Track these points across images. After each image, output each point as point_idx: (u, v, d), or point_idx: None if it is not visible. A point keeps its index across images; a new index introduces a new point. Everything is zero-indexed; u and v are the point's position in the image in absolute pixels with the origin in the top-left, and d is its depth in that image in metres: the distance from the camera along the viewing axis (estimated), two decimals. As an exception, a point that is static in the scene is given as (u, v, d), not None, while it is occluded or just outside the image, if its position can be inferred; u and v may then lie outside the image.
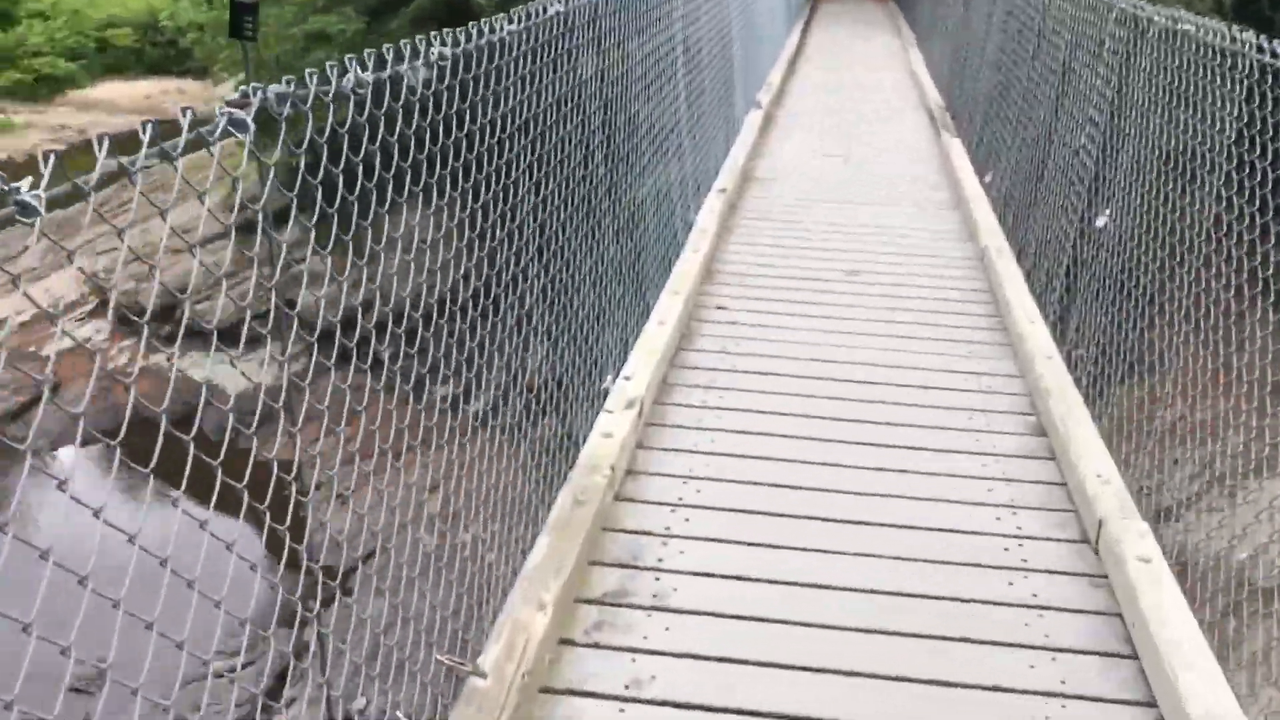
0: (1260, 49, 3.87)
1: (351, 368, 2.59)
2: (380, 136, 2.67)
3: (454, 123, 3.15)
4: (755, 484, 4.07)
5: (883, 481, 4.08)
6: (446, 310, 3.27)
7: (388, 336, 2.90)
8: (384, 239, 2.82)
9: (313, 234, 2.72)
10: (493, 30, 3.28)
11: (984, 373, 5.20)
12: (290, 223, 2.40)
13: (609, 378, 4.70)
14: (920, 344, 5.53)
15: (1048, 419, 4.54)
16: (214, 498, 1.94)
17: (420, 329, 2.99)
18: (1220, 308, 4.48)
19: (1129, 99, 5.26)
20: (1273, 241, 4.06)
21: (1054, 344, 5.31)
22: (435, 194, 3.08)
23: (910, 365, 5.25)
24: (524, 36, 3.60)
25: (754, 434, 4.49)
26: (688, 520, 3.79)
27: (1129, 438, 5.29)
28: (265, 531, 2.18)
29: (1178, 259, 4.69)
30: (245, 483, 2.01)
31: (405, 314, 2.92)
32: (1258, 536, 4.34)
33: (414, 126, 2.85)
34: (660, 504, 3.91)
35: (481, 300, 3.52)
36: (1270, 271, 4.07)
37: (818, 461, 4.25)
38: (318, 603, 2.30)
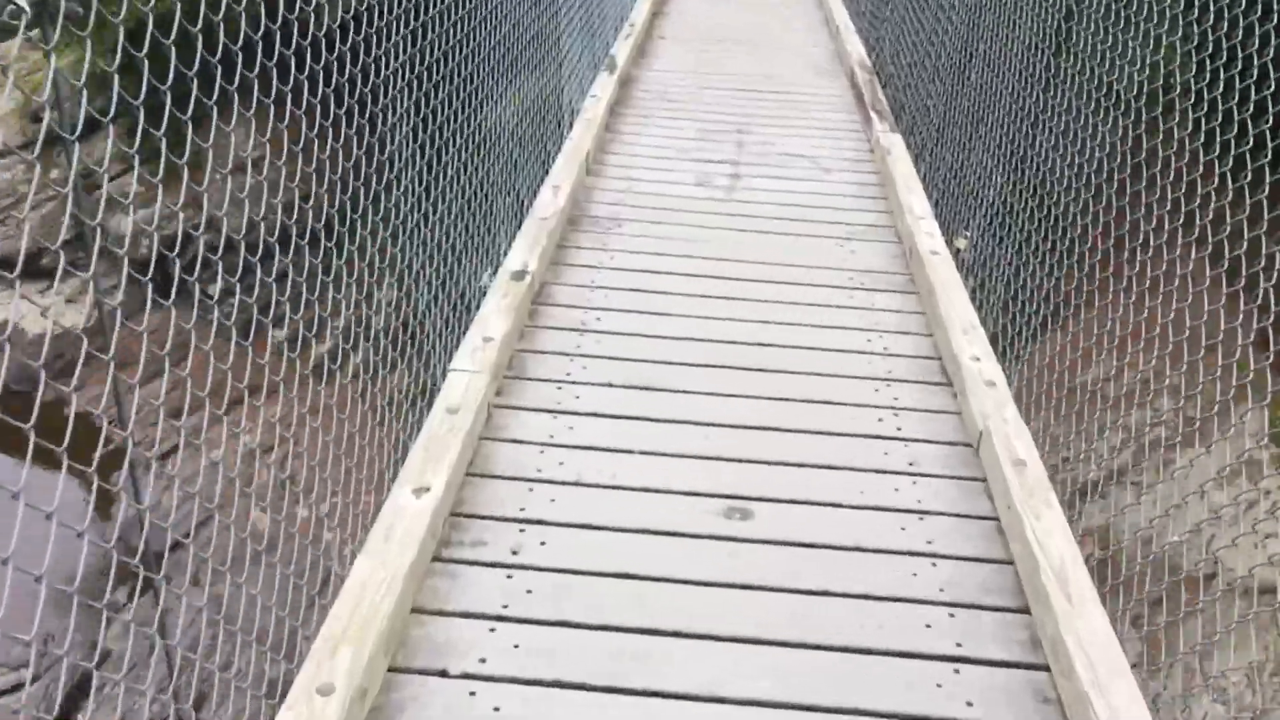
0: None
1: (195, 306, 2.49)
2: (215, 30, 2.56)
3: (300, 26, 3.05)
4: None
5: None
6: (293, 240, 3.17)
7: (219, 267, 2.79)
8: (210, 153, 2.71)
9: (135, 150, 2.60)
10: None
11: None
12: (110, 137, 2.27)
13: None
14: None
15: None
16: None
17: (261, 257, 2.89)
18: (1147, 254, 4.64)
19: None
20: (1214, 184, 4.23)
21: None
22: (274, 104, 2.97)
23: None
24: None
25: None
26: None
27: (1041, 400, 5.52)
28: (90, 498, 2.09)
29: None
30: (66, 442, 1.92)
31: (244, 242, 2.82)
32: (1189, 517, 4.38)
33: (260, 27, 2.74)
34: None
35: (337, 228, 3.42)
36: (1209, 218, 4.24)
37: None
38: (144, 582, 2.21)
